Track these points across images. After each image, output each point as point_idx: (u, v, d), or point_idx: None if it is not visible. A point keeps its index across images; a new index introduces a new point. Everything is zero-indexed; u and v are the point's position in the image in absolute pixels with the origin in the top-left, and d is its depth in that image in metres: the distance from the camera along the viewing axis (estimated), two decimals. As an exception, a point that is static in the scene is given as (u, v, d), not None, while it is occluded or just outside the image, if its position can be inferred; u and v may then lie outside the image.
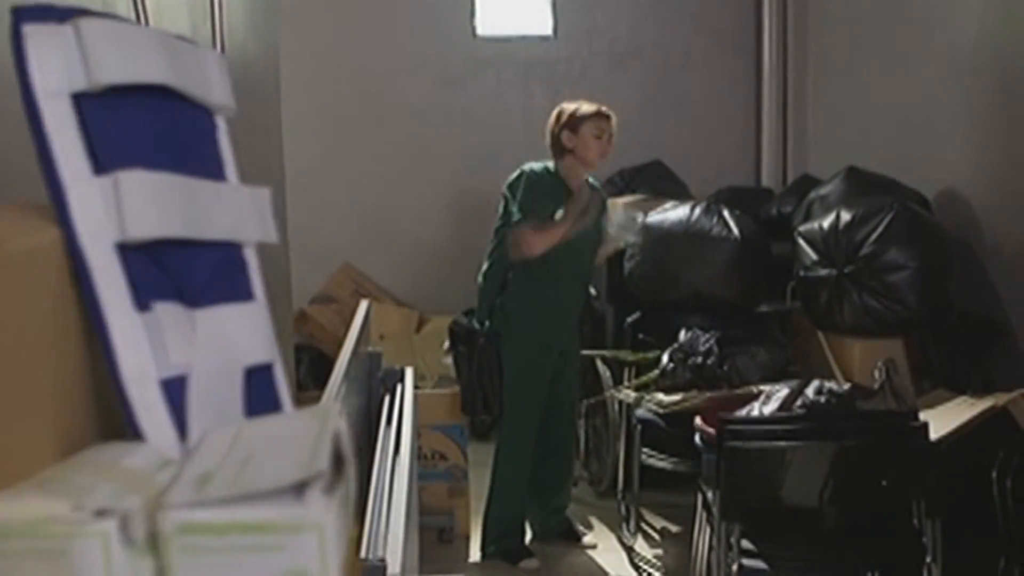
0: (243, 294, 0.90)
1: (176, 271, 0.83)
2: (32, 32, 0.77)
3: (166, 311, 0.80)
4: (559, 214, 3.58)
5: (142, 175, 0.79)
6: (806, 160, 5.68)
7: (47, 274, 0.74)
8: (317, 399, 1.41)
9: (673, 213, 4.27)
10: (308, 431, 0.68)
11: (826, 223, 3.72)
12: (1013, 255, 3.69)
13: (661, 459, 3.77)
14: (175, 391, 0.79)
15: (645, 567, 3.78)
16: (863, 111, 4.98)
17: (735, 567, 2.71)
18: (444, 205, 5.87)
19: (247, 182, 0.96)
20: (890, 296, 3.54)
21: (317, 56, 5.58)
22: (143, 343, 0.77)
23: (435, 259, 5.80)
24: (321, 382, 1.52)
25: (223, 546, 0.59)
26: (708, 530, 2.95)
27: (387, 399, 2.17)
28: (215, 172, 0.93)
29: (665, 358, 3.65)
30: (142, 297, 0.78)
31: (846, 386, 3.09)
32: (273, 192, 0.97)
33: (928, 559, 2.69)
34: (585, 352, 4.14)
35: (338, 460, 0.67)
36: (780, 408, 2.97)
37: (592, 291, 4.19)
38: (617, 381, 4.10)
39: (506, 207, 3.66)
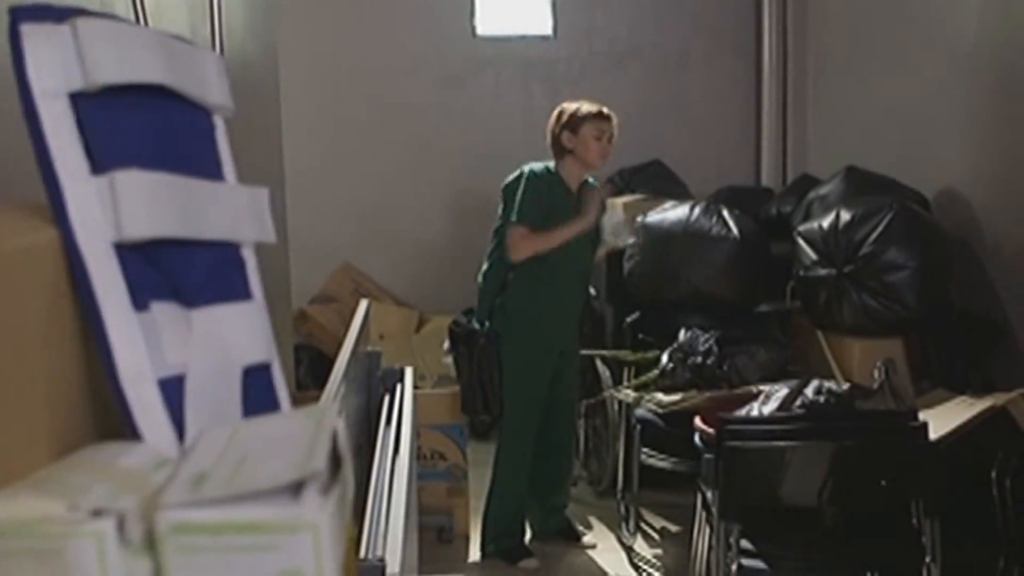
0: (241, 294, 0.90)
1: (173, 271, 0.83)
2: (30, 32, 0.77)
3: (163, 311, 0.80)
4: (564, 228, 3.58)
5: (139, 175, 0.79)
6: (806, 160, 5.68)
7: (44, 273, 0.74)
8: (317, 399, 1.41)
9: (672, 213, 4.27)
10: (304, 431, 0.68)
11: (826, 223, 3.72)
12: (1013, 255, 3.68)
13: (660, 459, 3.77)
14: (172, 391, 0.79)
15: (644, 567, 3.78)
16: (863, 111, 4.98)
17: (734, 567, 2.71)
18: (444, 205, 5.87)
19: (246, 182, 0.96)
20: (889, 296, 3.54)
21: (317, 56, 5.58)
22: (140, 343, 0.77)
23: (435, 259, 5.80)
24: (321, 382, 1.52)
25: (218, 546, 0.59)
26: (707, 530, 2.95)
27: (387, 399, 2.17)
28: (213, 172, 0.93)
29: (665, 358, 3.65)
30: (139, 297, 0.78)
31: (845, 386, 3.09)
32: (272, 192, 0.97)
33: (927, 559, 2.68)
34: (585, 352, 4.14)
35: (335, 460, 0.67)
36: (779, 408, 2.96)
37: (592, 291, 4.19)
38: (617, 381, 4.10)
39: (505, 207, 3.66)
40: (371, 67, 5.76)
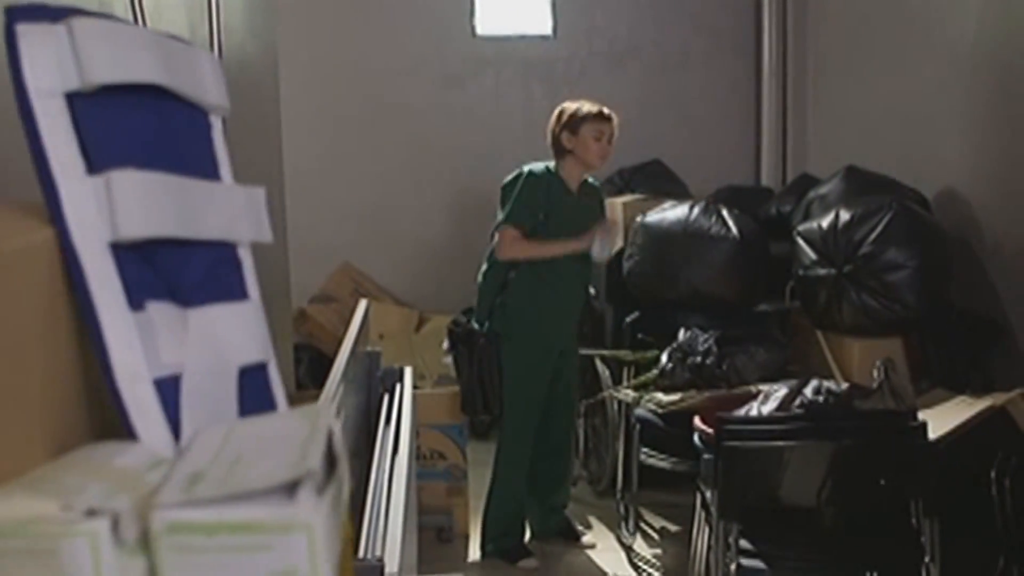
0: (237, 293, 0.90)
1: (169, 270, 0.83)
2: (25, 32, 0.77)
3: (159, 310, 0.80)
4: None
5: (135, 175, 0.79)
6: (805, 159, 5.68)
7: (40, 273, 0.74)
8: (316, 398, 1.41)
9: (672, 212, 4.26)
10: (299, 431, 0.68)
11: (825, 222, 3.72)
12: (1012, 255, 3.68)
13: (660, 459, 3.77)
14: (168, 390, 0.79)
15: (644, 567, 3.78)
16: (862, 111, 4.98)
17: (733, 567, 2.70)
18: (444, 205, 5.87)
19: (245, 182, 0.96)
20: (889, 296, 3.54)
21: (317, 56, 5.58)
22: (136, 342, 0.77)
23: (435, 259, 5.80)
24: (320, 381, 1.51)
25: (213, 546, 0.59)
26: (707, 530, 2.95)
27: (386, 398, 2.16)
28: (209, 172, 0.93)
29: (664, 358, 3.65)
30: (135, 296, 0.79)
31: (844, 386, 3.09)
32: (271, 191, 0.97)
33: (926, 559, 2.68)
34: (584, 351, 4.14)
35: (330, 460, 0.67)
36: (779, 408, 2.96)
37: (591, 290, 4.19)
38: (616, 381, 4.10)
39: (502, 207, 3.66)
40: (371, 67, 5.76)
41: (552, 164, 3.70)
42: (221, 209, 0.90)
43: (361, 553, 1.21)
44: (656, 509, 4.18)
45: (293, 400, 0.98)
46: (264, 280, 0.95)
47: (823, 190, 4.20)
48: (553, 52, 5.89)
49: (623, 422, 3.96)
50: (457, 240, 5.69)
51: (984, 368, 3.57)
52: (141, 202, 0.79)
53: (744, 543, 2.74)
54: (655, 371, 3.68)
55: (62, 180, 0.77)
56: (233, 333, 0.87)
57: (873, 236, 3.57)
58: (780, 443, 2.71)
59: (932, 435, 2.74)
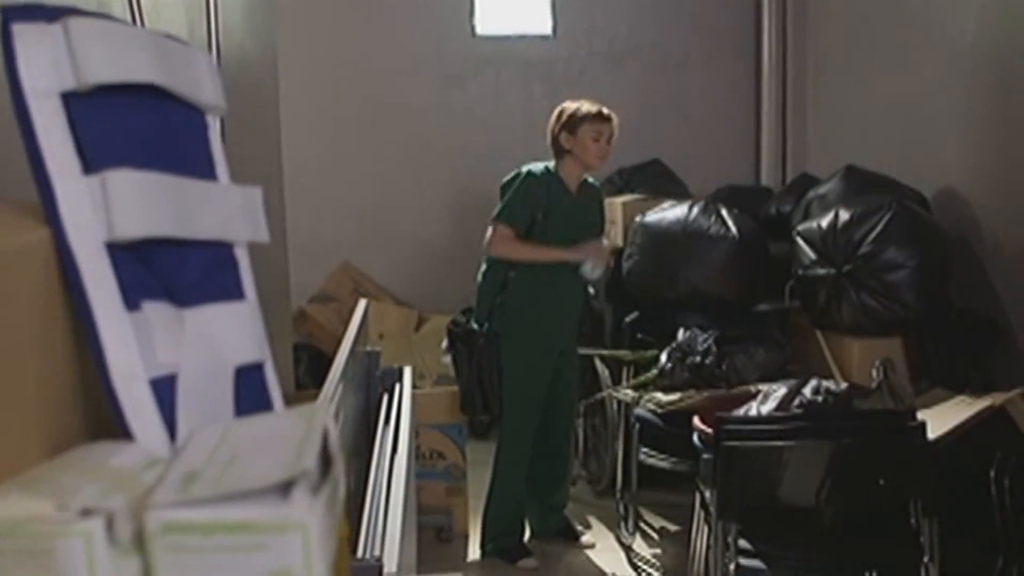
0: (234, 293, 0.90)
1: (166, 270, 0.83)
2: (21, 31, 0.77)
3: (155, 310, 0.80)
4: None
5: (131, 174, 0.79)
6: (805, 159, 5.68)
7: (36, 273, 0.74)
8: (315, 398, 1.41)
9: (671, 212, 4.27)
10: (295, 430, 0.68)
11: (825, 222, 3.72)
12: (1012, 255, 3.68)
13: (659, 458, 3.77)
14: (164, 390, 0.79)
15: (643, 566, 3.78)
16: (862, 111, 4.98)
17: (732, 566, 2.70)
18: (444, 205, 5.87)
19: (243, 181, 0.96)
20: (888, 295, 3.54)
21: (316, 56, 5.58)
22: (132, 342, 0.77)
23: (435, 259, 5.80)
24: (320, 381, 1.51)
25: (208, 546, 0.59)
26: (706, 529, 2.95)
27: (385, 398, 2.16)
28: (206, 171, 0.92)
29: (663, 357, 3.65)
30: (131, 296, 0.78)
31: (844, 385, 3.09)
32: (271, 191, 0.97)
33: (926, 558, 2.68)
34: (584, 351, 4.14)
35: (326, 459, 0.66)
36: (778, 407, 2.96)
37: (591, 290, 4.19)
38: (615, 380, 4.10)
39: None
40: (371, 67, 5.76)
41: (552, 164, 3.70)
42: (217, 209, 0.90)
43: (360, 553, 1.21)
44: (655, 509, 4.18)
45: (292, 400, 0.98)
46: (263, 280, 0.95)
47: (823, 190, 4.20)
48: (553, 52, 5.89)
49: (622, 422, 3.96)
50: (457, 240, 5.69)
51: (983, 368, 3.57)
52: (137, 202, 0.79)
53: (743, 543, 2.74)
54: (654, 371, 3.68)
55: (58, 180, 0.77)
56: (229, 333, 0.86)
57: (873, 236, 3.57)
58: (779, 443, 2.71)
59: (931, 435, 2.74)
